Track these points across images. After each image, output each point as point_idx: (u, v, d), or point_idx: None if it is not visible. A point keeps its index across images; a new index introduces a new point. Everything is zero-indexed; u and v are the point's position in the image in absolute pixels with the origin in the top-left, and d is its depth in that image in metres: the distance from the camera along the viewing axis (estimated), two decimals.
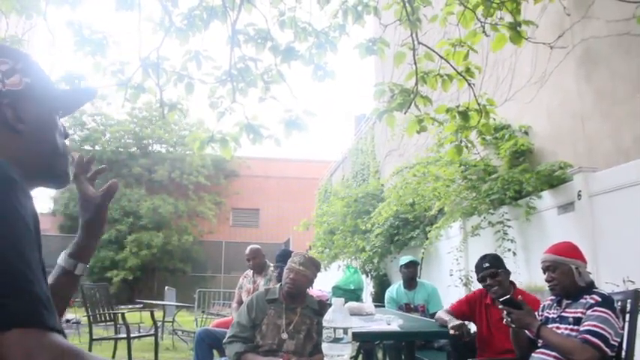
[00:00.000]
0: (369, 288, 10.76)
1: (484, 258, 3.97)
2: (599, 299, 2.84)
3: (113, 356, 6.93)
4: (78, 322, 9.52)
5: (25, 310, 0.79)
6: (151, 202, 22.28)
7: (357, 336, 3.56)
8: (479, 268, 3.96)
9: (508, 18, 5.01)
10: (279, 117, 5.17)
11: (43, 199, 23.87)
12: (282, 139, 5.26)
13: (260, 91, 5.36)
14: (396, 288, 6.10)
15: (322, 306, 3.83)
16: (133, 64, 5.19)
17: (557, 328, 2.97)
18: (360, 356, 5.65)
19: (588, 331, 2.72)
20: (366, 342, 4.11)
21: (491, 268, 3.87)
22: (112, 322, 7.40)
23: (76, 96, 1.35)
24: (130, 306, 11.84)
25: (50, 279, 1.26)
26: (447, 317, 3.97)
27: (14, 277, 0.80)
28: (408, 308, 5.88)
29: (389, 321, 4.01)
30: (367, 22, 5.42)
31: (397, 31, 5.80)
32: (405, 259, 6.09)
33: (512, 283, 3.97)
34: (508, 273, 3.96)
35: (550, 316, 3.13)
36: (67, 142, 1.24)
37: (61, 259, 1.30)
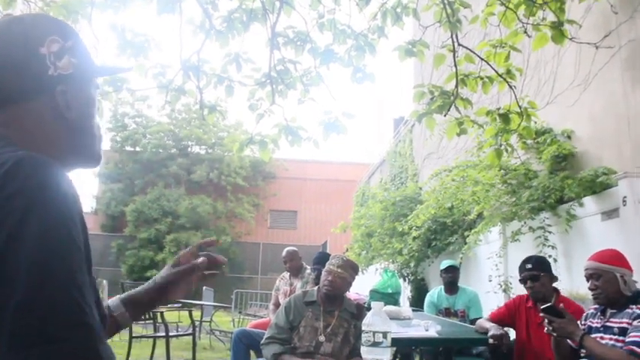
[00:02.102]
0: (406, 292, 10.68)
1: (529, 260, 3.92)
2: None
3: (152, 354, 7.02)
4: None
5: (81, 345, 0.76)
6: (190, 201, 22.56)
7: (395, 342, 3.53)
8: (521, 268, 3.91)
9: (551, 18, 4.91)
10: (317, 119, 5.17)
11: (85, 198, 24.41)
12: (320, 141, 5.26)
13: (299, 94, 5.37)
14: (437, 292, 6.05)
15: (360, 309, 3.82)
16: (173, 67, 5.26)
17: (602, 338, 2.89)
18: None
19: (634, 342, 2.64)
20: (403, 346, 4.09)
21: (533, 270, 3.80)
22: (151, 321, 7.51)
23: (112, 69, 1.33)
24: (168, 305, 11.99)
25: None
26: (488, 325, 3.92)
27: (68, 309, 0.76)
28: (447, 313, 5.82)
29: (427, 326, 3.97)
30: (406, 23, 5.38)
31: (437, 32, 5.74)
32: (445, 263, 6.04)
33: (556, 290, 3.89)
34: (552, 277, 3.87)
35: (594, 325, 3.04)
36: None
37: (114, 298, 1.30)
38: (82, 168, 1.12)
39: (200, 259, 1.35)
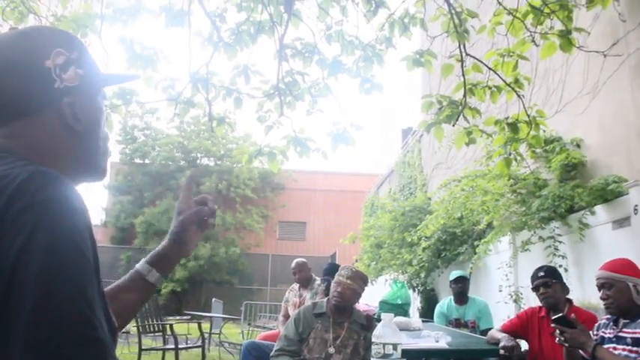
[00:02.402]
0: (416, 303, 10.63)
1: (540, 268, 3.97)
2: None
3: None
4: (127, 332, 9.68)
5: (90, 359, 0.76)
6: None
7: (405, 353, 3.51)
8: (534, 277, 3.93)
9: (559, 26, 4.90)
10: (326, 130, 5.18)
11: (95, 210, 24.48)
12: (329, 153, 5.26)
13: (307, 105, 5.38)
14: (446, 303, 6.03)
15: (369, 321, 3.80)
16: (182, 80, 5.29)
17: (614, 348, 2.86)
18: None
19: None
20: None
21: (546, 277, 3.83)
22: (161, 333, 7.51)
23: (119, 78, 1.31)
24: (177, 317, 12.00)
25: (122, 282, 1.24)
26: (499, 336, 3.90)
27: (76, 323, 0.76)
28: (458, 323, 5.78)
29: (437, 337, 3.95)
30: (414, 34, 5.39)
31: (444, 42, 5.75)
32: (454, 274, 6.02)
33: (569, 300, 3.89)
34: (563, 286, 3.90)
35: (606, 335, 3.01)
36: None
37: (140, 262, 1.28)
38: (87, 181, 1.11)
39: (205, 207, 1.38)
